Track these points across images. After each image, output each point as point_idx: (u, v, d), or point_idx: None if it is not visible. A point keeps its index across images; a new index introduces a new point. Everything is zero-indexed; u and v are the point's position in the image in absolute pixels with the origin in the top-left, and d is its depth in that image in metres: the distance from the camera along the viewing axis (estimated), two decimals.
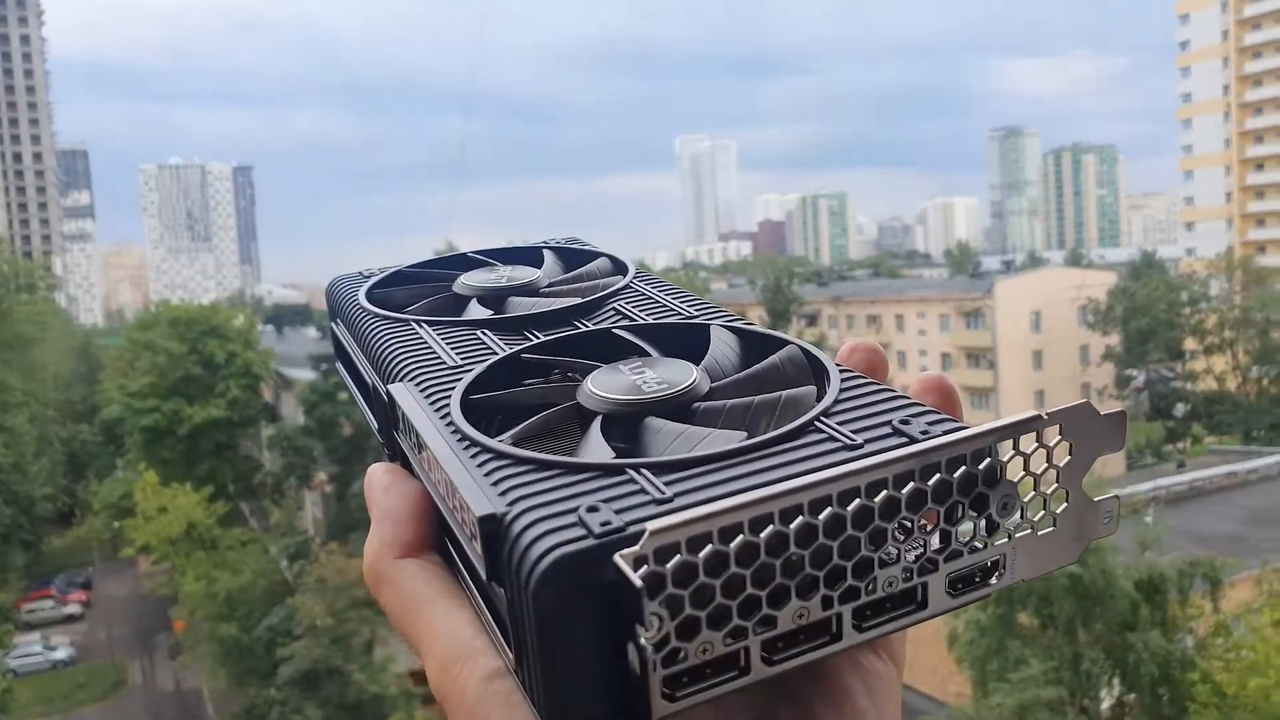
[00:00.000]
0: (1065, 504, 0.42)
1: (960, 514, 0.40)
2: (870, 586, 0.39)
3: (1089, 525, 0.43)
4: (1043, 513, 0.42)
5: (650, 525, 0.35)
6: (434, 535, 0.50)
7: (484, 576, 0.40)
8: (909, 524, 0.39)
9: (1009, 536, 0.42)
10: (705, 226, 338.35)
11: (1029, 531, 0.42)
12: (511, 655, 0.40)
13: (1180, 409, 48.83)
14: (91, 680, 35.83)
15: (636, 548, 0.35)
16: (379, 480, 0.53)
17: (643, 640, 0.35)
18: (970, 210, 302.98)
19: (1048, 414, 0.41)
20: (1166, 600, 16.18)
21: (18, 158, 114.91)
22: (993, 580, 0.42)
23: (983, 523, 0.41)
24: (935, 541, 0.40)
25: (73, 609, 42.28)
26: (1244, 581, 18.54)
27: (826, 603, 0.38)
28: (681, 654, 0.36)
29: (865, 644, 0.40)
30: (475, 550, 0.41)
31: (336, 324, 0.72)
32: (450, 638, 0.45)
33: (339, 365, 0.73)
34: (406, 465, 0.53)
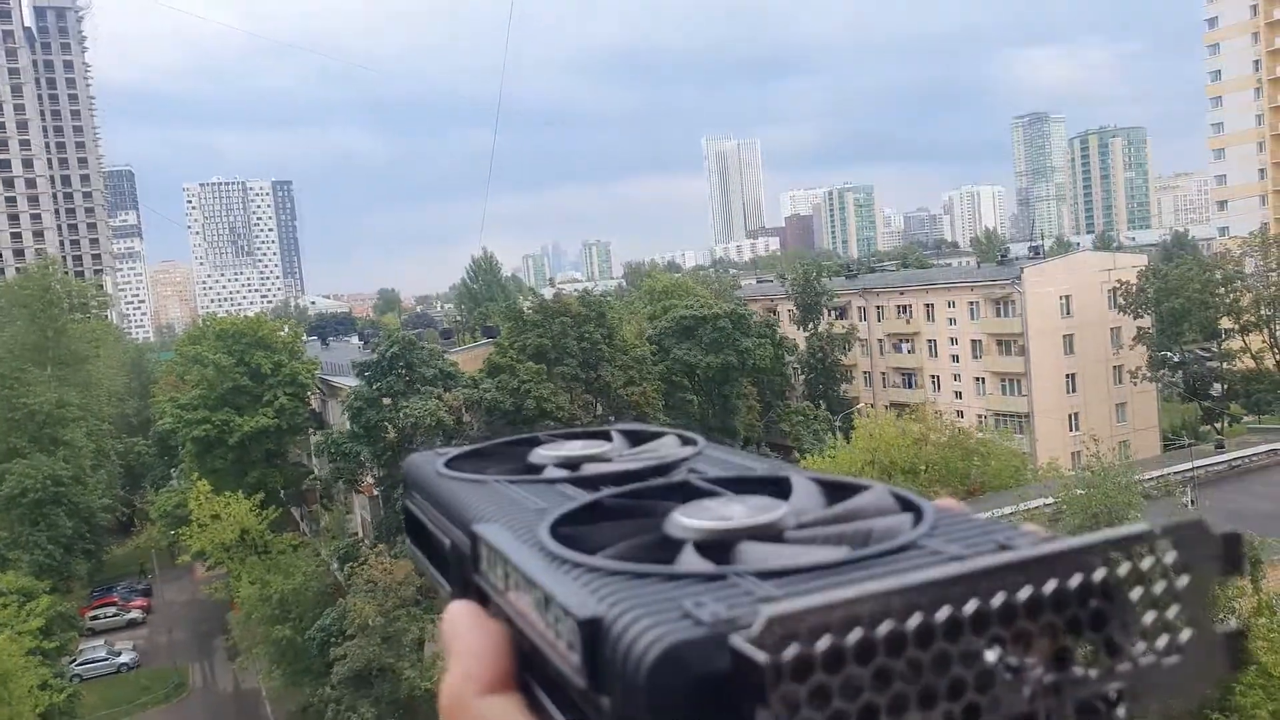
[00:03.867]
0: (1189, 631, 0.40)
1: (1080, 630, 0.39)
2: (993, 706, 0.37)
3: (1217, 655, 0.41)
4: (1166, 638, 0.40)
5: (768, 610, 0.34)
6: (517, 674, 0.49)
7: (583, 685, 0.39)
8: (1029, 633, 0.38)
9: (1133, 663, 0.40)
10: (733, 224, 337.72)
11: (1154, 660, 0.40)
12: None
13: (1217, 389, 48.31)
14: (154, 683, 37.16)
15: (754, 630, 0.34)
16: (461, 618, 0.53)
17: None
18: (996, 198, 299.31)
19: (1161, 529, 0.40)
20: None
21: (66, 180, 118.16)
22: (1118, 712, 0.40)
23: (1103, 643, 0.39)
24: (1057, 662, 0.39)
25: (135, 615, 43.75)
26: None
27: (948, 717, 0.37)
28: None
29: None
30: (574, 662, 0.39)
31: (412, 497, 0.73)
32: None
33: (409, 541, 0.74)
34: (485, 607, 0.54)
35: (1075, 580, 0.38)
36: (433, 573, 0.66)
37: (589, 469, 0.66)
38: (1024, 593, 0.37)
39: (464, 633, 0.52)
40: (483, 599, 0.54)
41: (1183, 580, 0.40)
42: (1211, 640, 0.41)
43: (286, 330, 44.84)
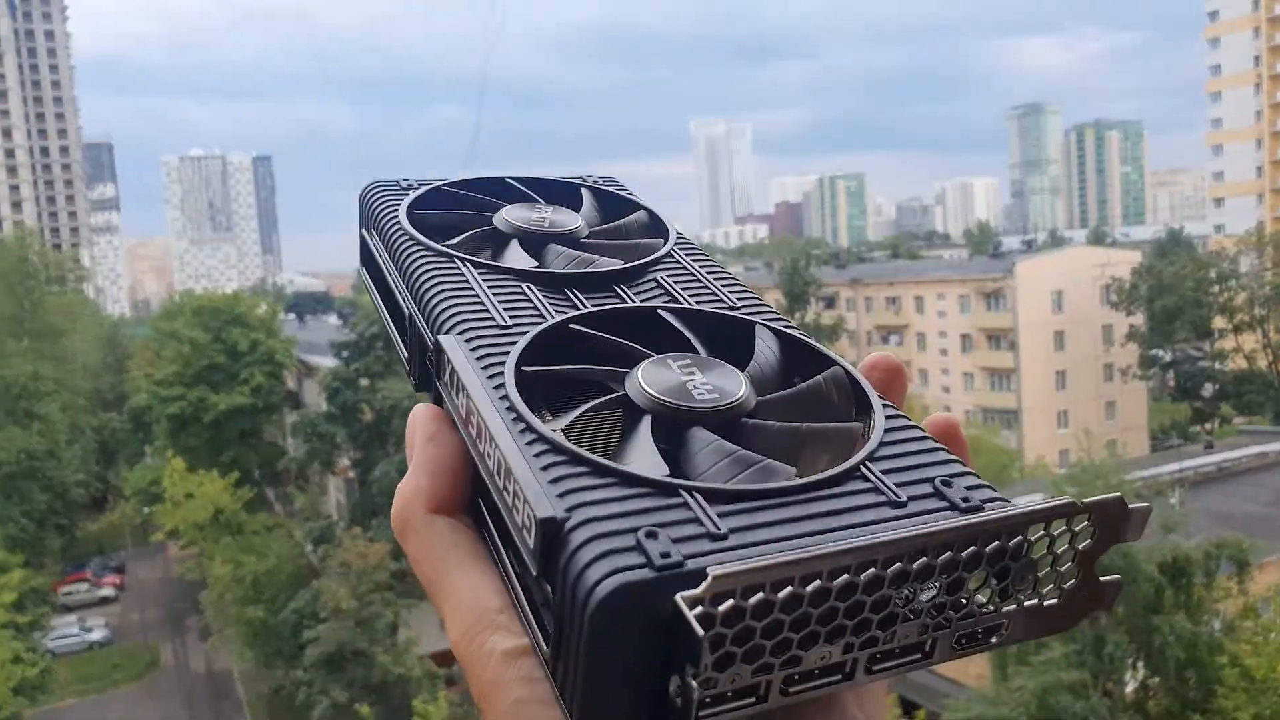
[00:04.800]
0: (1074, 581, 0.44)
1: (984, 582, 0.43)
2: (889, 638, 0.41)
3: (1093, 601, 0.45)
4: (1051, 586, 0.44)
5: (714, 570, 0.36)
6: (468, 493, 0.50)
7: (534, 572, 0.41)
8: (937, 586, 0.41)
9: (1018, 605, 0.44)
10: (721, 209, 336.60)
11: (1035, 602, 0.44)
12: (546, 646, 0.42)
13: (1208, 389, 48.17)
14: (126, 661, 36.60)
15: (699, 590, 0.36)
16: (423, 425, 0.52)
17: (691, 680, 0.37)
18: (989, 190, 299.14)
19: (1083, 503, 0.43)
20: (1192, 582, 15.98)
21: (45, 151, 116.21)
22: (993, 640, 0.45)
23: (998, 591, 0.43)
24: (954, 602, 0.42)
25: (107, 592, 43.15)
26: (1274, 564, 18.34)
27: (848, 648, 0.41)
28: (713, 683, 0.38)
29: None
30: (528, 545, 0.41)
31: (370, 234, 0.70)
32: (475, 605, 0.46)
33: (364, 274, 0.71)
34: (444, 410, 0.53)
35: (994, 545, 0.41)
36: (391, 327, 0.65)
37: (554, 255, 0.63)
38: (946, 556, 0.40)
39: (423, 442, 0.52)
40: (439, 400, 0.54)
41: (1085, 544, 0.44)
42: (1092, 589, 0.45)
43: (264, 307, 44.20)
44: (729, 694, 0.39)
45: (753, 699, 0.40)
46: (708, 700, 0.39)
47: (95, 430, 48.77)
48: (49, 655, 33.13)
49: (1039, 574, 0.44)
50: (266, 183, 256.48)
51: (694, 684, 0.37)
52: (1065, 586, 0.44)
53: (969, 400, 49.82)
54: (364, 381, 34.38)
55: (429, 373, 0.57)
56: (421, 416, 0.53)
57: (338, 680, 25.18)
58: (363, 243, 0.71)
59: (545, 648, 0.42)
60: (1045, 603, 0.44)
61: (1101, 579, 0.45)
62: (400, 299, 0.62)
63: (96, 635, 38.15)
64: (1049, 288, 48.27)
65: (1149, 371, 47.64)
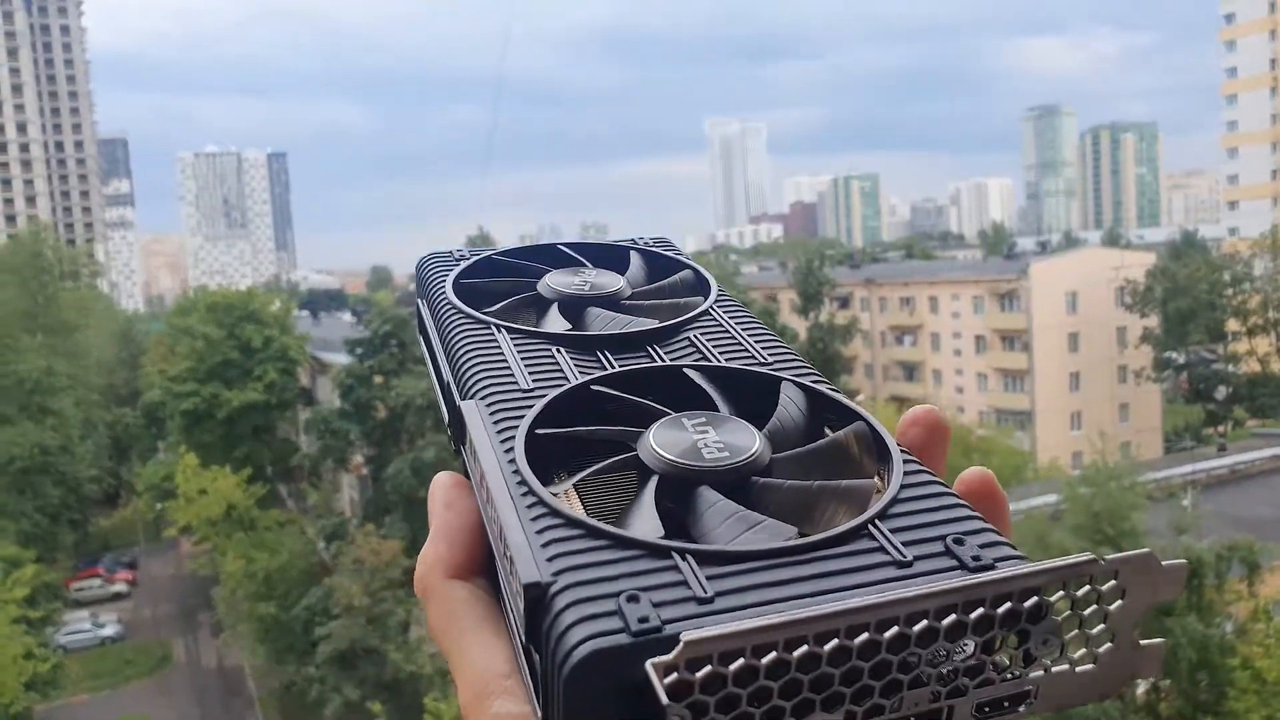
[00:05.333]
0: (1110, 644, 0.41)
1: (999, 646, 0.40)
2: (896, 706, 0.39)
3: (1132, 666, 0.42)
4: (1084, 651, 0.41)
5: (686, 636, 0.35)
6: (485, 558, 0.51)
7: (522, 639, 0.42)
8: (945, 653, 0.39)
9: (1045, 670, 0.41)
10: (735, 209, 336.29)
11: (1066, 668, 0.41)
12: (539, 713, 0.42)
13: (1221, 391, 47.82)
14: (138, 656, 36.86)
15: (669, 657, 0.35)
16: (442, 493, 0.54)
17: None
18: (1004, 191, 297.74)
19: (1105, 560, 0.40)
20: (1203, 584, 15.94)
21: (60, 146, 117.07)
22: (1020, 709, 0.41)
23: (1020, 655, 0.41)
24: (969, 668, 0.40)
25: (119, 587, 43.43)
26: None
27: (850, 718, 0.38)
28: None
29: None
30: (518, 609, 0.41)
31: (422, 304, 0.73)
32: (484, 669, 0.46)
33: (421, 341, 0.73)
34: (469, 478, 0.54)
35: (1006, 605, 0.39)
36: (437, 393, 0.66)
37: (591, 318, 0.64)
38: (952, 618, 0.38)
39: (442, 509, 0.53)
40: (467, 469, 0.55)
41: (1116, 604, 0.41)
42: (1130, 651, 0.42)
43: (278, 304, 44.40)
44: None
45: None
46: None
47: (108, 426, 49.06)
48: (61, 651, 33.37)
49: (1066, 637, 0.41)
50: (281, 179, 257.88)
51: None
52: (1099, 651, 0.41)
53: (982, 401, 49.62)
54: (378, 378, 34.50)
55: (461, 449, 0.57)
56: (441, 484, 0.55)
57: (349, 677, 25.26)
58: (418, 312, 0.73)
59: (539, 714, 0.41)
60: (1077, 668, 0.41)
61: (1143, 643, 0.42)
62: (441, 367, 0.64)
63: (109, 631, 38.40)
64: (1063, 289, 48.03)
65: (1163, 374, 47.34)
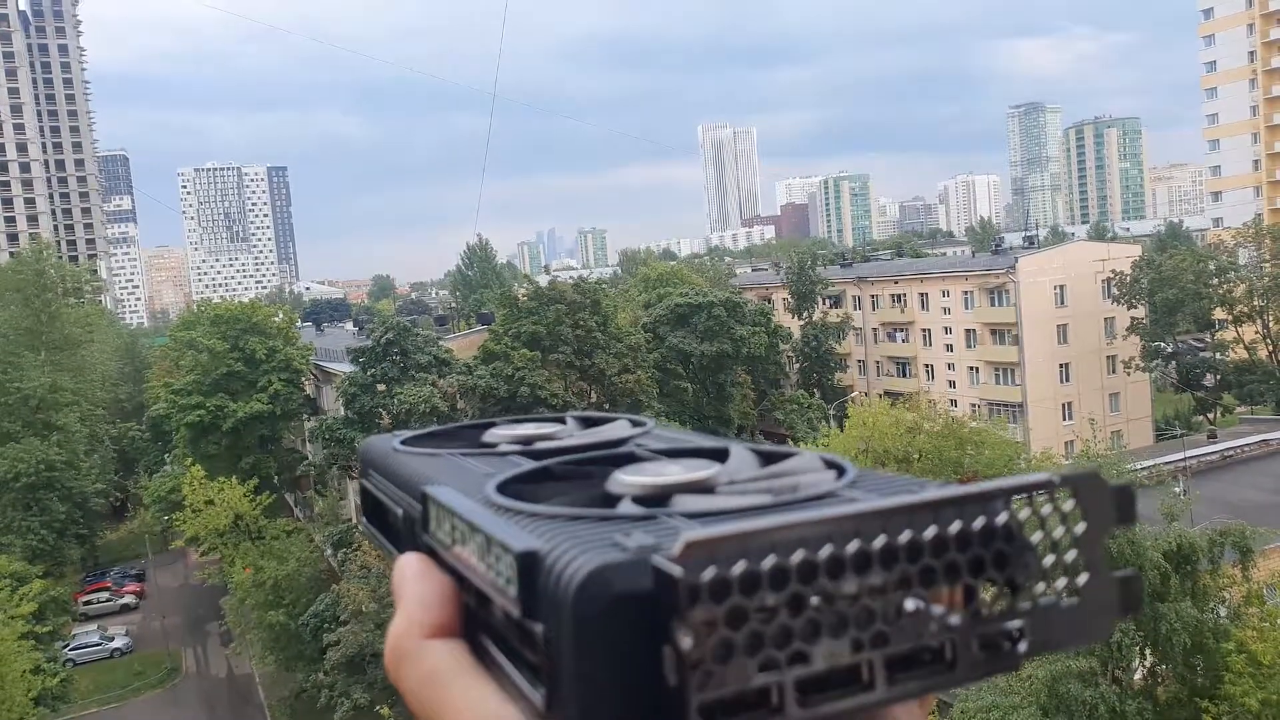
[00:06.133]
0: (1085, 575, 0.43)
1: (983, 570, 0.42)
2: (901, 635, 0.40)
3: (1115, 601, 0.44)
4: (1064, 581, 0.43)
5: (687, 535, 0.37)
6: (460, 625, 0.51)
7: (517, 614, 0.41)
8: (933, 570, 0.40)
9: (1033, 603, 0.43)
10: (729, 212, 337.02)
11: (1053, 601, 0.43)
12: (542, 700, 0.41)
13: (1210, 379, 48.54)
14: (148, 668, 37.16)
15: (673, 550, 0.36)
16: (411, 568, 0.54)
17: (681, 640, 0.36)
18: (992, 187, 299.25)
19: (1061, 478, 0.42)
20: (1197, 570, 16.14)
21: (60, 164, 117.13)
22: (1020, 647, 0.43)
23: (1006, 585, 0.42)
24: (960, 599, 0.41)
25: (128, 600, 43.78)
26: (1278, 550, 18.59)
27: (858, 646, 0.39)
28: (716, 677, 0.37)
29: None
30: (510, 594, 0.42)
31: (369, 476, 0.75)
32: (480, 712, 0.46)
33: (365, 520, 0.76)
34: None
35: (979, 521, 0.41)
36: (386, 546, 0.68)
37: (541, 445, 0.68)
38: (931, 530, 0.40)
39: (411, 580, 0.53)
40: (432, 556, 0.56)
41: (1080, 527, 0.42)
42: (1107, 585, 0.43)
43: (281, 316, 44.64)
44: (741, 703, 0.38)
45: (767, 711, 0.38)
46: (720, 713, 0.37)
47: (114, 440, 49.22)
48: (69, 664, 33.54)
49: (1044, 565, 0.43)
50: (282, 192, 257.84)
51: (685, 644, 0.36)
52: (1078, 582, 0.43)
53: (974, 394, 50.23)
54: (380, 387, 34.88)
55: (425, 540, 0.59)
56: (408, 560, 0.55)
57: (359, 682, 25.49)
58: (363, 493, 0.76)
59: (542, 701, 0.41)
60: (1062, 602, 0.43)
61: (1114, 574, 0.44)
62: (394, 505, 0.66)
63: (118, 643, 38.64)
64: (1051, 282, 48.70)
65: (1151, 363, 48.00)
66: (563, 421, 0.76)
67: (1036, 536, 0.42)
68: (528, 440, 0.70)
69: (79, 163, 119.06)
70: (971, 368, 51.30)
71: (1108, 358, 48.90)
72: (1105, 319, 49.15)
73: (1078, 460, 18.73)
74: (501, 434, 0.72)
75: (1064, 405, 47.48)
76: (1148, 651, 16.17)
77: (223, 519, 33.87)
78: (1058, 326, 48.62)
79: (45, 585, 32.05)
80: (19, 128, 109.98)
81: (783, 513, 0.43)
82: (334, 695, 25.95)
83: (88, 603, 42.74)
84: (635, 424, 0.73)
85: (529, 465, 0.60)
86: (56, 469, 39.13)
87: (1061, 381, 48.32)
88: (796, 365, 54.54)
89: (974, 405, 48.02)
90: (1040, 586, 0.42)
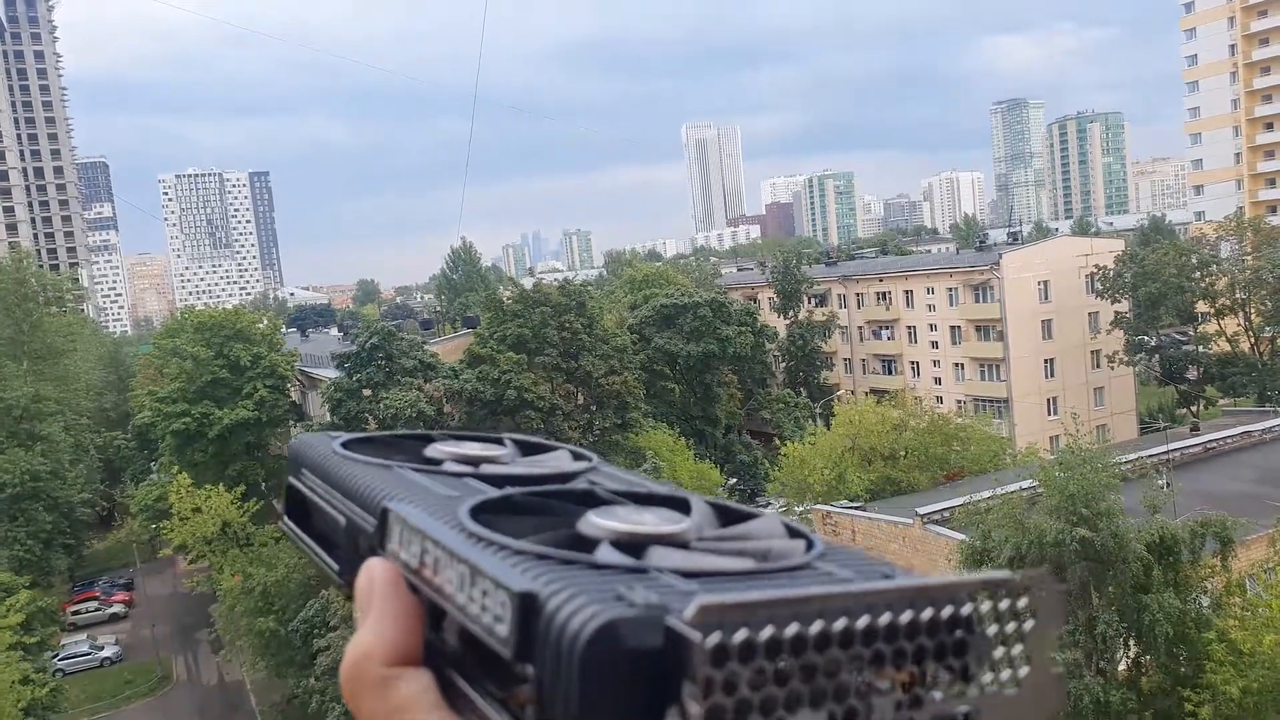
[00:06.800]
0: (1028, 670, 0.45)
1: (945, 656, 0.44)
2: (867, 710, 0.41)
3: (1050, 695, 0.46)
4: (1010, 672, 0.45)
5: (701, 599, 0.37)
6: (422, 647, 0.50)
7: (509, 655, 0.41)
8: (904, 652, 0.42)
9: (980, 691, 0.45)
10: (714, 212, 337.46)
11: (997, 690, 0.45)
12: None
13: (1193, 372, 48.95)
14: (138, 676, 37.04)
15: (688, 613, 0.37)
16: (383, 578, 0.50)
17: (689, 703, 0.37)
18: (976, 184, 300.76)
19: (1021, 578, 0.44)
20: (1179, 561, 16.33)
21: (39, 172, 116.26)
22: None
23: (960, 671, 0.44)
24: (919, 681, 0.43)
25: (117, 609, 43.52)
26: (1259, 540, 18.76)
27: (832, 718, 0.41)
28: None
29: None
30: (501, 634, 0.41)
31: (302, 475, 0.73)
32: None
33: (288, 525, 0.74)
34: None
35: (948, 610, 0.43)
36: (316, 552, 0.67)
37: (488, 469, 0.67)
38: (908, 615, 0.42)
39: (382, 593, 0.50)
40: None
41: (1029, 624, 0.45)
42: (1047, 679, 0.45)
43: (265, 322, 44.53)
44: None
45: None
46: None
47: (99, 449, 48.95)
48: (59, 674, 33.37)
49: (994, 656, 0.45)
50: (264, 198, 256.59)
51: (693, 708, 0.36)
52: (1020, 676, 0.45)
53: (960, 390, 50.54)
54: (366, 392, 34.84)
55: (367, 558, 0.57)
56: (375, 569, 0.51)
57: None
58: (289, 491, 0.74)
59: None
60: (1005, 691, 0.45)
61: (1053, 671, 0.46)
62: (334, 512, 0.65)
63: (108, 652, 38.49)
64: (1035, 278, 49.04)
65: (1135, 357, 48.37)
66: (501, 443, 0.74)
67: (993, 629, 0.44)
68: (474, 461, 0.68)
69: (58, 170, 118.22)
70: (957, 364, 51.60)
71: (1092, 352, 49.28)
72: (1089, 314, 49.51)
73: (1062, 455, 18.91)
74: (445, 450, 0.70)
75: (1049, 400, 47.83)
76: (1131, 642, 16.37)
77: (210, 526, 33.75)
78: (1042, 322, 48.96)
79: (33, 596, 31.88)
80: None
81: (773, 582, 0.44)
82: (325, 700, 25.97)
83: (76, 612, 42.51)
84: (578, 456, 0.72)
85: (492, 492, 0.58)
86: (42, 479, 38.88)
87: (1046, 376, 48.67)
88: (783, 364, 54.73)
89: (959, 401, 48.35)
90: (989, 676, 0.45)
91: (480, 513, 0.53)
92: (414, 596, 0.50)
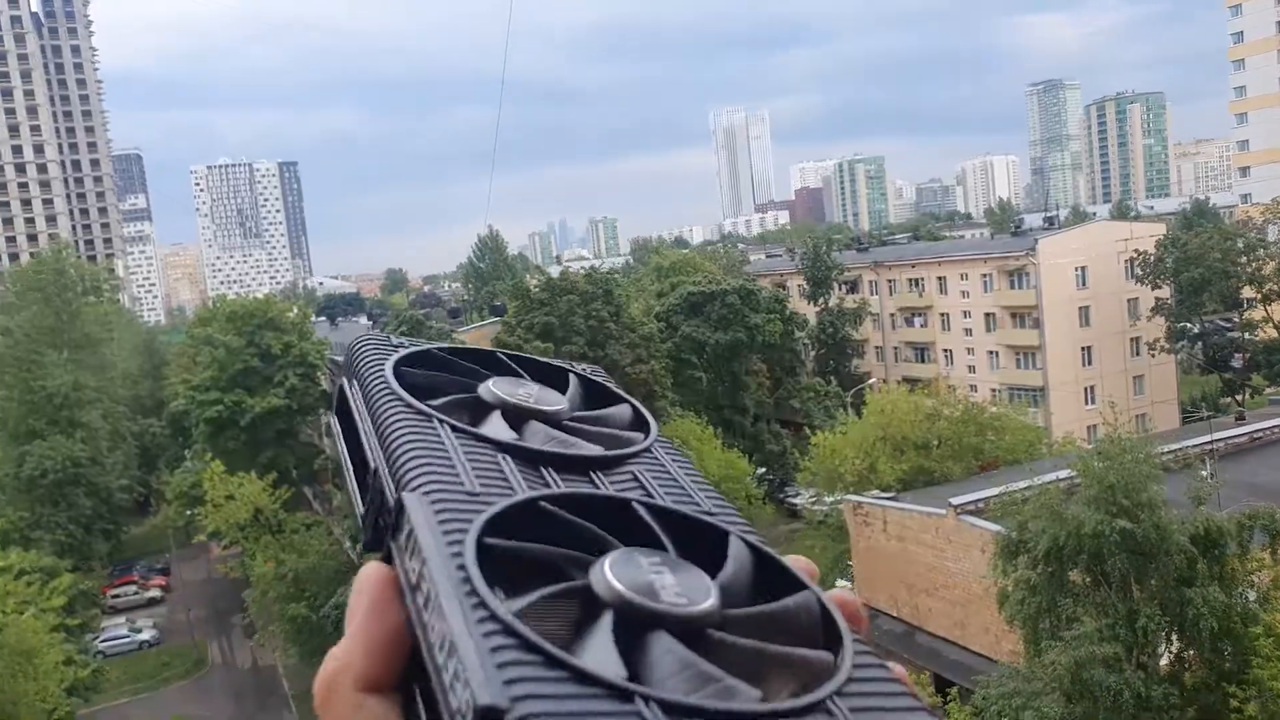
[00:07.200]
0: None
1: None
2: None
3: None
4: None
5: None
6: (401, 670, 0.48)
7: None
8: None
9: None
10: (742, 198, 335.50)
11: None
12: None
13: (1238, 360, 47.70)
14: (175, 660, 37.81)
15: None
16: (370, 591, 0.50)
17: None
18: (1011, 168, 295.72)
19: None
20: (1224, 554, 15.82)
21: (76, 165, 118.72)
22: None
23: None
24: None
25: (154, 593, 44.45)
26: None
27: None
28: None
29: None
30: None
31: (351, 384, 0.70)
32: None
33: (334, 423, 0.72)
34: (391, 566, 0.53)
35: None
36: (351, 479, 0.65)
37: (533, 432, 0.63)
38: None
39: (366, 610, 0.49)
40: (390, 559, 0.53)
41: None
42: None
43: (295, 311, 44.98)
44: None
45: None
46: None
47: (136, 436, 49.89)
48: (100, 656, 34.17)
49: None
50: (294, 188, 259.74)
51: None
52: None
53: (994, 379, 49.70)
54: None
55: (383, 532, 0.55)
56: (371, 580, 0.51)
57: None
58: (340, 392, 0.72)
59: None
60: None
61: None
62: (368, 450, 0.62)
63: (146, 635, 39.31)
64: (1073, 264, 47.98)
65: (1177, 344, 47.21)
66: (565, 381, 0.71)
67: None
68: (522, 415, 0.64)
69: (94, 163, 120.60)
70: (991, 352, 50.74)
71: (1131, 340, 48.19)
72: (1128, 300, 48.39)
73: (1100, 444, 18.43)
74: (498, 393, 0.65)
75: (1086, 389, 46.85)
76: (1174, 636, 15.97)
77: (243, 513, 34.23)
78: (1079, 308, 47.92)
79: (74, 579, 32.65)
80: (35, 129, 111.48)
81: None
82: None
83: (115, 596, 43.49)
84: (639, 421, 0.69)
85: (516, 498, 0.54)
86: (82, 465, 39.77)
87: (1084, 365, 47.67)
88: (813, 352, 54.17)
89: (994, 390, 47.54)
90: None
91: (489, 532, 0.49)
92: (402, 615, 0.49)
